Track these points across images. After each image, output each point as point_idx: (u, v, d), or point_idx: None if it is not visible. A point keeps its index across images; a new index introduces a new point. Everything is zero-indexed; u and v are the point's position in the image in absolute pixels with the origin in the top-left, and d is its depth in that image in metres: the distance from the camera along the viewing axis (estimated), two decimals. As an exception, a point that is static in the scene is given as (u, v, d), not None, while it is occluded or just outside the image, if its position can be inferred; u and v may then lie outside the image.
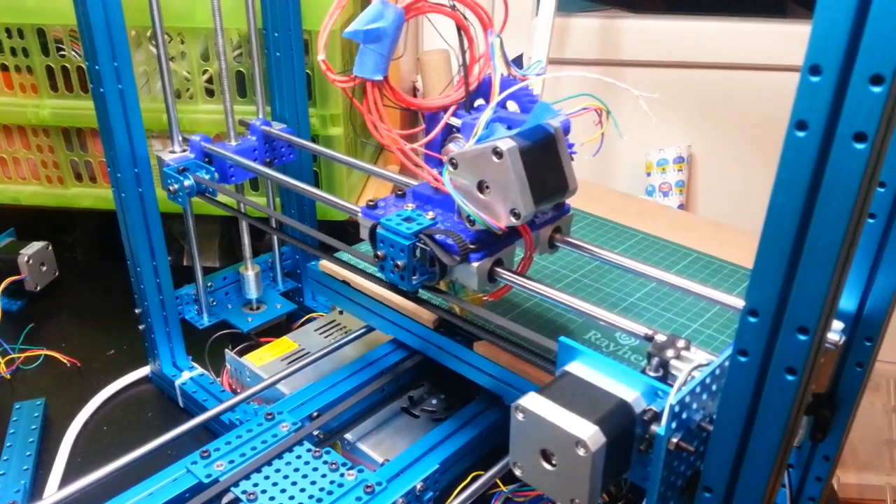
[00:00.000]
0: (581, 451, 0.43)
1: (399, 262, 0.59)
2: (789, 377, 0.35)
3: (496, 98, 0.60)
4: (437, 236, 0.58)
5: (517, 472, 0.48)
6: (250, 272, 0.93)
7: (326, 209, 1.01)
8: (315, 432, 0.72)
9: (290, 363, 0.83)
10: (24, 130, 1.07)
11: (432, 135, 0.64)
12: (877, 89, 0.29)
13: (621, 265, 0.61)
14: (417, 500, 0.65)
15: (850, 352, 0.56)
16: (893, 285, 0.52)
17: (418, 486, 0.65)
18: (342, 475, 0.64)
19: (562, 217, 0.64)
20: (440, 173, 0.59)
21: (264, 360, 0.85)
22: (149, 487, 0.64)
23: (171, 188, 0.82)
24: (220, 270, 0.97)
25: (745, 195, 1.37)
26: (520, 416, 0.46)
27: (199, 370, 0.90)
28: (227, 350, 0.87)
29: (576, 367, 0.49)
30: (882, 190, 0.51)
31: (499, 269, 0.60)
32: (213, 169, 0.83)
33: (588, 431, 0.43)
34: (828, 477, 0.61)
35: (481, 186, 0.55)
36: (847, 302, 0.55)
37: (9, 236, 1.12)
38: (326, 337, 0.90)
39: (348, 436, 0.75)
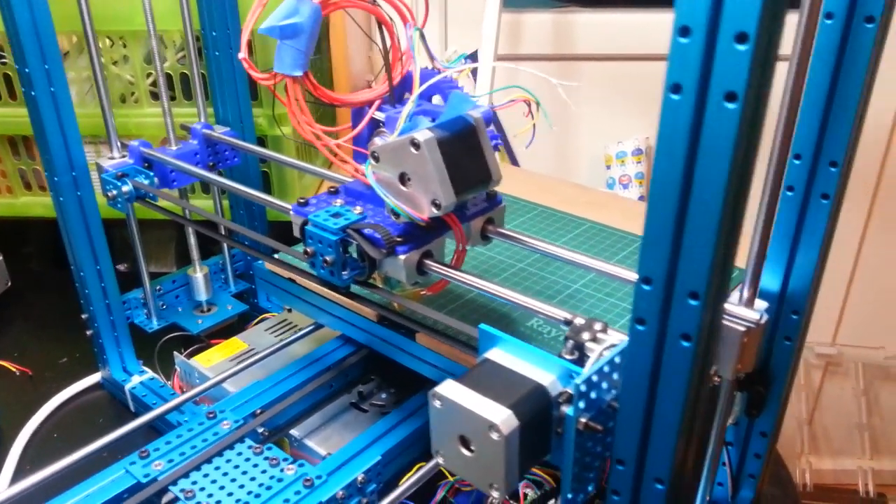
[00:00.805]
0: (494, 436, 0.43)
1: (328, 258, 0.59)
2: (685, 343, 0.35)
3: (417, 90, 0.60)
4: (364, 230, 0.58)
5: (440, 461, 0.48)
6: (198, 274, 0.93)
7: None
8: (260, 430, 0.71)
9: (238, 363, 0.82)
10: (-31, 140, 1.06)
11: (357, 130, 0.64)
12: (742, 47, 0.29)
13: (550, 253, 0.61)
14: (360, 493, 0.65)
15: (778, 327, 0.56)
16: (816, 257, 0.53)
17: (360, 478, 0.64)
18: (282, 470, 0.64)
19: (494, 208, 0.64)
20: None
21: (213, 360, 0.85)
22: (87, 488, 0.63)
23: (109, 194, 0.81)
24: (170, 274, 0.96)
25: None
26: (437, 404, 0.46)
27: (150, 374, 0.89)
28: (175, 353, 0.86)
29: (495, 354, 0.49)
30: (798, 162, 0.51)
31: (428, 262, 0.60)
32: (152, 174, 0.82)
33: (501, 416, 0.43)
34: (766, 453, 0.61)
35: (403, 179, 0.55)
36: (771, 279, 0.55)
37: (-41, 247, 1.11)
38: (277, 336, 0.89)
39: (294, 432, 0.74)
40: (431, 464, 0.65)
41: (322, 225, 0.59)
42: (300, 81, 0.61)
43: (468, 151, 0.56)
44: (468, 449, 0.45)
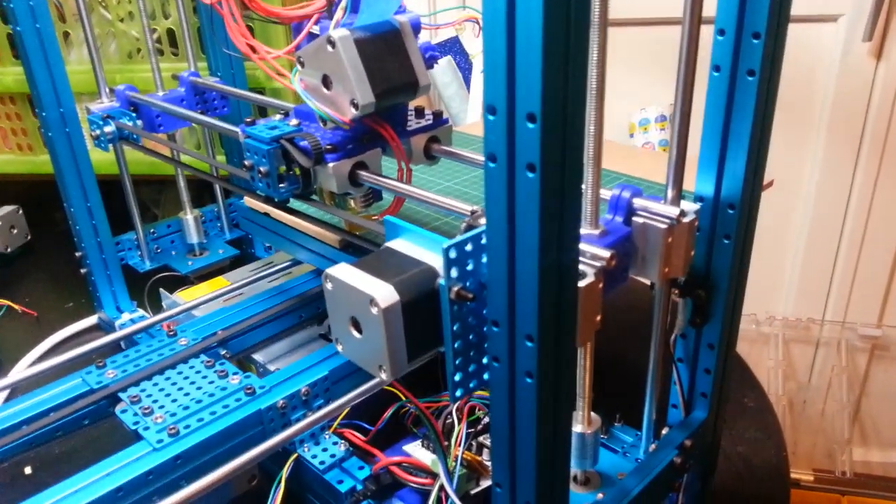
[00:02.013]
0: (374, 310, 0.42)
1: (262, 169, 0.59)
2: (529, 174, 0.34)
3: None
4: (298, 141, 0.58)
5: (339, 349, 0.47)
6: (189, 216, 0.95)
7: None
8: (223, 352, 0.72)
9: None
10: (-8, 99, 1.11)
11: (295, 43, 0.64)
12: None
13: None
14: (304, 406, 0.65)
15: (716, 226, 0.53)
16: (746, 145, 0.50)
17: (303, 391, 0.64)
18: (228, 381, 0.64)
19: (439, 127, 0.63)
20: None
21: (196, 296, 0.86)
22: (45, 392, 0.66)
23: (94, 134, 0.85)
24: (164, 219, 0.98)
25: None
26: (329, 286, 0.45)
27: (140, 312, 0.92)
28: (161, 290, 0.88)
29: (397, 243, 0.48)
30: (721, 38, 0.49)
31: (361, 173, 0.59)
32: (135, 116, 0.85)
33: (381, 290, 0.42)
34: (716, 369, 0.58)
35: (326, 82, 0.55)
36: (704, 182, 0.53)
37: (-17, 202, 1.17)
38: (258, 274, 0.90)
39: (258, 356, 0.75)
40: (376, 380, 0.65)
41: (257, 136, 0.59)
42: None
43: (391, 54, 0.55)
44: (359, 331, 0.45)
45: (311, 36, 0.63)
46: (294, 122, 0.61)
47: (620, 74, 1.48)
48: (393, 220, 0.49)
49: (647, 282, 0.53)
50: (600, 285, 0.44)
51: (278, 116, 0.63)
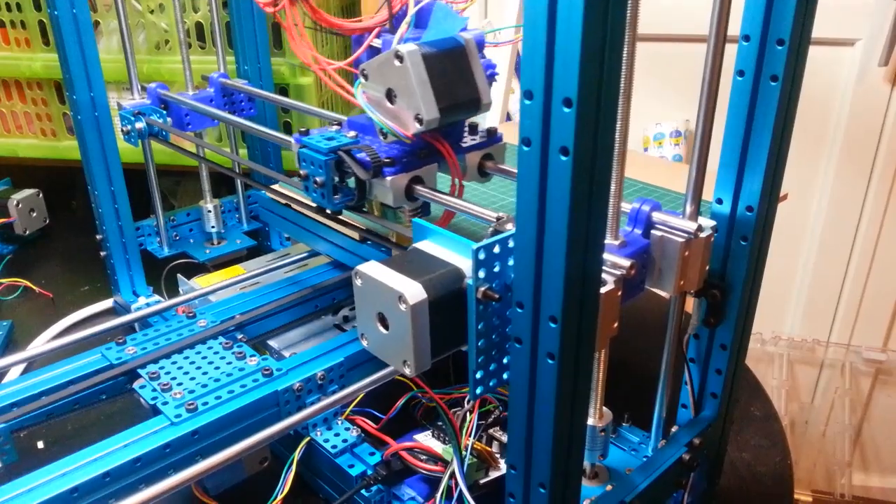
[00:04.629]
0: (402, 307, 0.43)
1: (318, 179, 0.59)
2: (562, 157, 0.35)
3: (411, 12, 0.59)
4: (354, 152, 0.58)
5: (364, 344, 0.48)
6: (209, 205, 0.96)
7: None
8: (239, 336, 0.73)
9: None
10: (20, 84, 1.13)
11: (356, 55, 0.64)
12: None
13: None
14: (320, 390, 0.66)
15: (734, 227, 0.55)
16: (767, 148, 0.51)
17: (319, 375, 0.65)
18: (246, 362, 0.66)
19: (493, 144, 0.63)
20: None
21: (212, 282, 0.87)
22: (65, 365, 0.67)
23: (124, 129, 0.86)
24: (184, 207, 1.00)
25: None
26: (358, 282, 0.47)
27: (156, 297, 0.93)
28: (179, 275, 0.90)
29: (424, 244, 0.50)
30: (746, 43, 0.50)
31: (417, 187, 0.59)
32: (165, 114, 0.87)
33: (410, 288, 0.44)
34: (727, 369, 0.59)
35: (390, 95, 0.55)
36: (724, 183, 0.54)
37: (4, 185, 1.18)
38: (275, 264, 0.91)
39: (273, 343, 0.76)
40: (391, 367, 0.66)
41: (314, 146, 0.59)
42: (299, 4, 0.62)
43: (456, 71, 0.55)
44: (385, 327, 0.46)
45: (372, 49, 0.63)
46: (351, 133, 0.61)
47: (636, 88, 1.49)
48: (421, 222, 0.50)
49: (665, 294, 0.54)
50: (619, 293, 0.45)
51: (334, 127, 0.63)
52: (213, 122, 0.93)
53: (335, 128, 0.64)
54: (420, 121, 0.54)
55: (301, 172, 0.61)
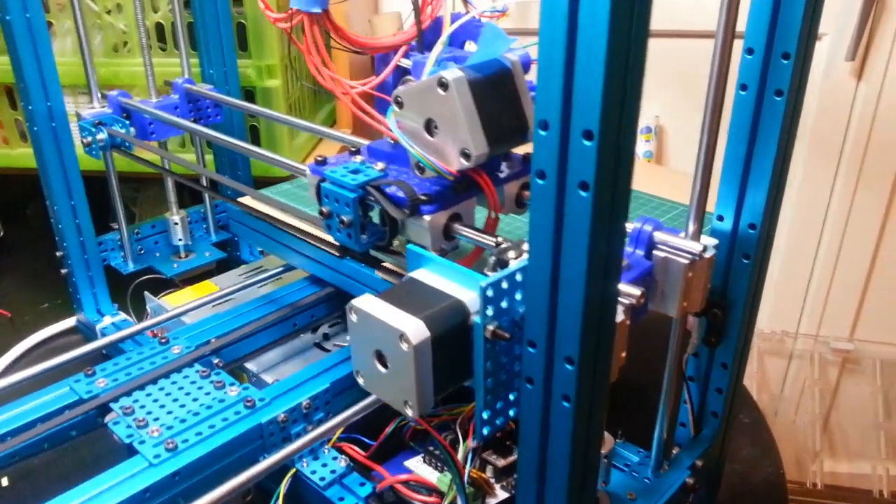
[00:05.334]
0: (404, 346, 0.40)
1: (345, 218, 0.54)
2: (582, 193, 0.33)
3: (447, 30, 0.54)
4: (385, 188, 0.52)
5: (360, 382, 0.45)
6: (175, 217, 0.92)
7: (267, 167, 0.99)
8: (215, 361, 0.70)
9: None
10: (-33, 89, 1.07)
11: (382, 76, 0.59)
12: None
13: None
14: (305, 419, 0.63)
15: (735, 245, 0.53)
16: (771, 164, 0.50)
17: (305, 404, 0.62)
18: (226, 392, 0.62)
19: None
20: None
21: (182, 301, 0.83)
22: (31, 402, 0.63)
23: (85, 141, 0.82)
24: (149, 220, 0.95)
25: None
26: (353, 318, 0.44)
27: (122, 316, 0.89)
28: (146, 293, 0.85)
29: (421, 273, 0.47)
30: (750, 57, 0.48)
31: (456, 226, 0.54)
32: (128, 123, 0.83)
33: (411, 325, 0.41)
34: (728, 388, 0.58)
35: (430, 126, 0.50)
36: (725, 201, 0.52)
37: (-46, 196, 1.12)
38: (249, 279, 0.88)
39: (250, 365, 0.73)
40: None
41: (339, 181, 0.53)
42: (319, 21, 0.55)
43: (503, 98, 0.50)
44: (384, 366, 0.43)
45: (399, 69, 0.59)
46: (378, 165, 0.55)
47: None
48: (416, 249, 0.47)
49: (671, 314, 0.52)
50: (627, 322, 0.43)
51: (359, 158, 0.57)
52: (178, 131, 0.89)
53: (358, 159, 0.57)
54: (467, 156, 0.48)
55: (323, 210, 0.55)
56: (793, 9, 0.45)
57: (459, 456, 0.60)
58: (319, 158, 0.57)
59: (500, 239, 0.49)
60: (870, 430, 1.66)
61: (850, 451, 1.72)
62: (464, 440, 0.63)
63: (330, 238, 0.69)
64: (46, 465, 0.68)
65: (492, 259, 0.46)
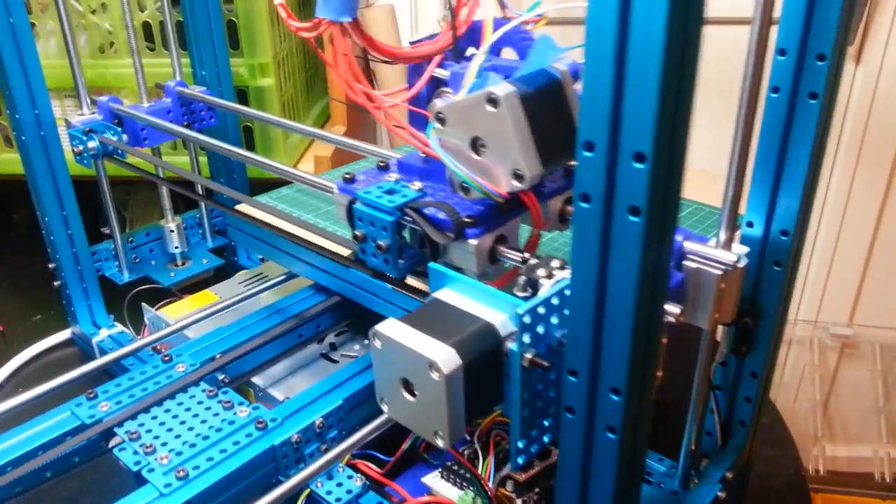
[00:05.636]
0: (435, 375, 0.38)
1: (382, 243, 0.50)
2: (632, 218, 0.31)
3: (489, 40, 0.50)
4: (426, 210, 0.49)
5: (385, 409, 0.43)
6: (170, 224, 0.89)
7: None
8: (221, 376, 0.67)
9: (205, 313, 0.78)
10: (-53, 94, 1.03)
11: (416, 88, 0.55)
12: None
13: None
14: (319, 438, 0.60)
15: (767, 251, 0.51)
16: (805, 169, 0.48)
17: (318, 423, 0.60)
18: (235, 413, 0.60)
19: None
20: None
21: (182, 312, 0.81)
22: (31, 428, 0.60)
23: (76, 150, 0.78)
24: (143, 227, 0.92)
25: (715, 142, 1.33)
26: (378, 344, 0.41)
27: (119, 328, 0.86)
28: (144, 304, 0.83)
29: (445, 294, 0.44)
30: (783, 58, 0.46)
31: (501, 248, 0.50)
32: (120, 130, 0.79)
33: (441, 353, 0.38)
34: (757, 397, 0.56)
35: (476, 145, 0.46)
36: (756, 207, 0.50)
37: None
38: (250, 288, 0.85)
39: (257, 380, 0.70)
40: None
41: (375, 203, 0.49)
42: (348, 31, 0.51)
43: (554, 111, 0.46)
44: (411, 394, 0.40)
45: (434, 81, 0.55)
46: (416, 185, 0.51)
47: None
48: (438, 267, 0.44)
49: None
50: (665, 340, 0.41)
51: (393, 177, 0.53)
52: (171, 136, 0.86)
53: (393, 177, 0.53)
54: (520, 177, 0.44)
55: (357, 233, 0.51)
56: (829, 8, 0.43)
57: (482, 472, 0.58)
58: (347, 176, 0.53)
59: (525, 255, 0.46)
60: (870, 414, 1.66)
61: (851, 435, 1.72)
62: (483, 453, 0.61)
63: (332, 247, 0.66)
64: (52, 495, 0.65)
65: (521, 279, 0.43)
